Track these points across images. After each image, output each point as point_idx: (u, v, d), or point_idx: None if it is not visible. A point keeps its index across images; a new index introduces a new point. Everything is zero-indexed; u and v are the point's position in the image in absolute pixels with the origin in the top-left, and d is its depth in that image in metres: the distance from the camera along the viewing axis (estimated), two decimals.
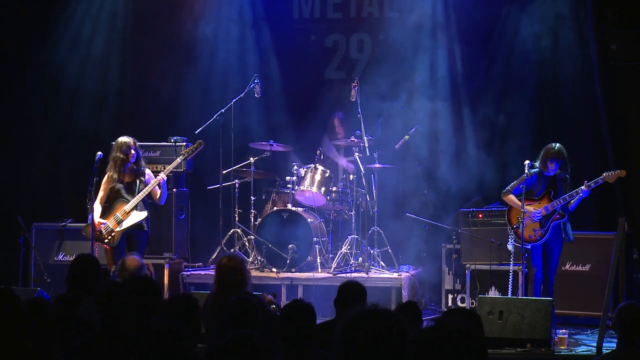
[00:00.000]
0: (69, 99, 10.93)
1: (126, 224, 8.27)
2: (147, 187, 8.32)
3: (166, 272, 9.45)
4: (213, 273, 9.26)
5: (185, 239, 9.92)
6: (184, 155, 8.70)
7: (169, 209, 9.63)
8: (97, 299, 4.71)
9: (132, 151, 8.34)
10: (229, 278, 5.87)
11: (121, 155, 8.31)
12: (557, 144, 8.14)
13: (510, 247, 8.29)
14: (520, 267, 8.33)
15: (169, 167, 8.55)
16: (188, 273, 9.47)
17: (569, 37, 10.08)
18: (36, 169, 10.72)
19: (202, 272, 9.54)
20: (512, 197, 8.28)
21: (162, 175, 8.35)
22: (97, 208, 8.35)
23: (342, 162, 10.45)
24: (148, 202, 8.52)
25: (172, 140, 9.78)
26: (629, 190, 9.38)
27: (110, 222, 8.25)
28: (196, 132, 9.77)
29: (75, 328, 4.92)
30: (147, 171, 8.52)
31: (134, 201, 8.27)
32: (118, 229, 8.25)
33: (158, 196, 8.41)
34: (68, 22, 10.80)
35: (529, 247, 8.16)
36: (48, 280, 9.47)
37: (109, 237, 8.24)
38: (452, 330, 2.64)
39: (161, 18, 11.07)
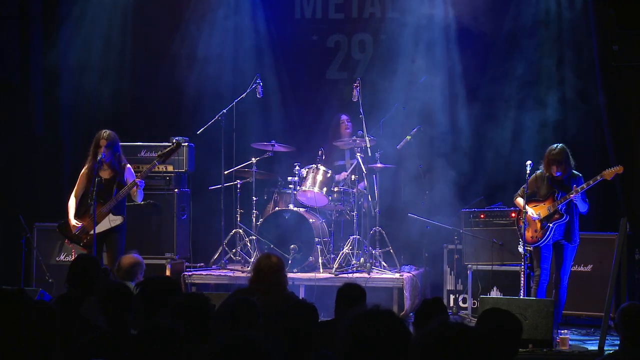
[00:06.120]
0: (71, 99, 10.93)
1: (101, 227, 8.05)
2: (122, 190, 8.08)
3: (168, 272, 9.45)
4: (214, 273, 9.41)
5: (186, 240, 9.92)
6: (160, 157, 8.36)
7: (171, 209, 9.64)
8: (98, 298, 4.72)
9: (106, 145, 8.06)
10: (272, 278, 5.79)
11: (95, 148, 8.09)
12: (559, 145, 8.12)
13: (520, 250, 8.27)
14: (529, 268, 8.30)
15: (146, 170, 8.30)
16: (190, 273, 9.47)
17: (570, 38, 10.07)
18: (38, 168, 10.71)
19: (204, 273, 9.53)
20: (518, 200, 8.31)
21: (138, 179, 8.07)
22: (72, 204, 8.19)
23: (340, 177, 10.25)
24: (125, 203, 8.28)
25: (174, 141, 9.74)
26: (630, 190, 9.40)
27: (86, 224, 8.06)
28: (198, 133, 9.77)
29: (78, 328, 4.93)
30: (128, 167, 8.28)
31: (110, 203, 8.06)
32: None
33: (135, 196, 8.18)
34: (71, 21, 10.80)
35: (531, 248, 8.16)
36: (50, 280, 9.46)
37: (86, 240, 8.06)
38: (455, 330, 2.64)
39: (163, 18, 11.07)
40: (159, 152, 8.43)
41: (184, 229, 9.87)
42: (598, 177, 7.97)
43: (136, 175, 8.29)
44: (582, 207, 8.05)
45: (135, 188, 8.09)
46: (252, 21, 10.99)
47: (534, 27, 10.25)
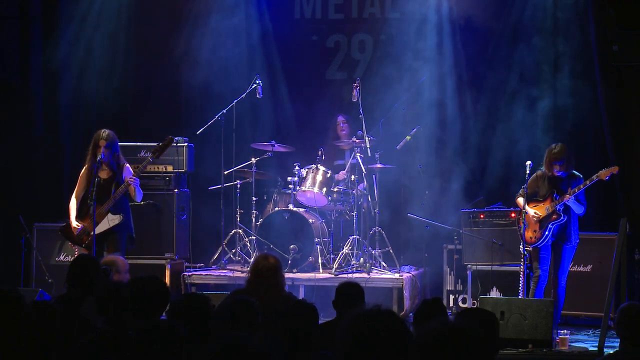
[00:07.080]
0: (71, 99, 10.93)
1: (100, 227, 8.03)
2: (119, 189, 8.07)
3: (168, 272, 9.45)
4: (214, 274, 9.42)
5: (186, 240, 9.92)
6: (154, 153, 8.28)
7: (170, 209, 9.64)
8: (98, 299, 4.72)
9: (106, 145, 8.04)
10: (270, 279, 5.75)
11: (94, 148, 8.08)
12: (559, 144, 8.12)
13: (522, 250, 8.27)
14: (528, 268, 8.30)
15: (140, 167, 8.23)
16: (189, 274, 9.47)
17: (571, 38, 10.07)
18: (38, 168, 10.71)
19: (204, 273, 9.53)
20: (518, 200, 8.31)
21: (133, 178, 8.04)
22: (73, 206, 8.18)
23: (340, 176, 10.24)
24: (126, 202, 8.26)
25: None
26: (630, 190, 9.39)
27: (87, 225, 8.04)
28: (198, 133, 9.78)
29: (78, 328, 4.93)
30: (126, 166, 8.25)
31: (108, 202, 8.04)
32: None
33: (133, 195, 8.15)
34: (71, 21, 10.80)
35: (531, 248, 8.16)
36: (49, 280, 9.46)
37: (87, 241, 8.04)
38: (454, 330, 2.64)
39: (163, 18, 11.07)
40: (152, 149, 8.37)
41: (184, 229, 9.87)
42: (594, 178, 7.97)
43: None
44: (577, 210, 8.04)
45: (132, 186, 8.06)
46: (252, 21, 10.99)
47: (534, 27, 10.24)
